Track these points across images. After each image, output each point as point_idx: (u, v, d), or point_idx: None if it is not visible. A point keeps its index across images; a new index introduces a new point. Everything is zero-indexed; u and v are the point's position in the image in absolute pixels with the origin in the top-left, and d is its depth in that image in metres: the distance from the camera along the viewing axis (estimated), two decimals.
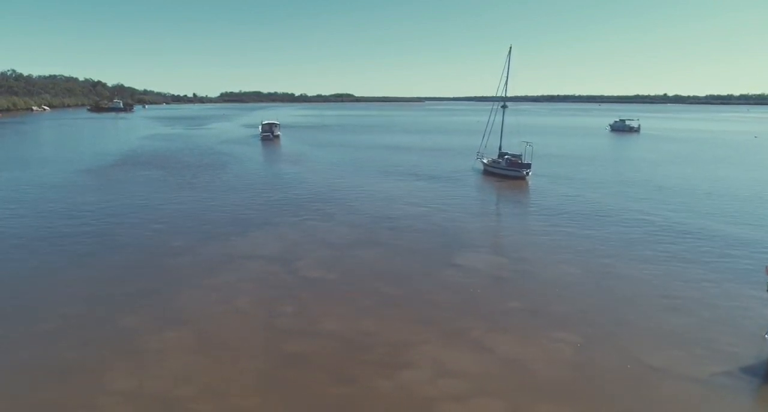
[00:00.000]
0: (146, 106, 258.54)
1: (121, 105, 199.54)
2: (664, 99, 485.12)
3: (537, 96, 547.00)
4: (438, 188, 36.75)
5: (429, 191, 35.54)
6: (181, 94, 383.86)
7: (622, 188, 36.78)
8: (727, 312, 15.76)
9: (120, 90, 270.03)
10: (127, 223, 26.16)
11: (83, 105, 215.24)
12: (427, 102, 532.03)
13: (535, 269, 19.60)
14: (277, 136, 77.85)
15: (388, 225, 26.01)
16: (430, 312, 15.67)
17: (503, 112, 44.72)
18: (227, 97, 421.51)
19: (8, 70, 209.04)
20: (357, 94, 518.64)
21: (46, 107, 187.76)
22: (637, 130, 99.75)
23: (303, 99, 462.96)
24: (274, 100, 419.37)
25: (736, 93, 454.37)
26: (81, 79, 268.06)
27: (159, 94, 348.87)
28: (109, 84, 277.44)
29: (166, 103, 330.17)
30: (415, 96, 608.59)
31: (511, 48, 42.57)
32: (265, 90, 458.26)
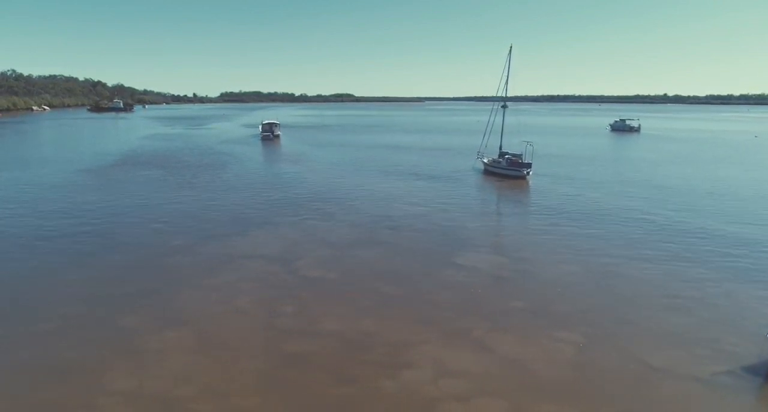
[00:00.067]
0: (146, 106, 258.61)
1: (121, 105, 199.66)
2: (664, 99, 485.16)
3: (537, 96, 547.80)
4: (438, 188, 36.71)
5: (429, 191, 35.51)
6: (181, 94, 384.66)
7: (623, 188, 36.74)
8: (728, 312, 15.75)
9: (120, 90, 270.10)
10: (127, 222, 26.15)
11: (83, 105, 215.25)
12: (427, 102, 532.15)
13: (535, 269, 19.58)
14: (277, 136, 77.89)
15: (388, 225, 25.98)
16: (431, 312, 15.65)
17: (503, 112, 44.72)
18: (227, 97, 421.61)
19: (8, 70, 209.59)
20: (357, 94, 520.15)
21: (46, 107, 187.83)
22: (637, 130, 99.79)
23: (303, 99, 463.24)
24: (274, 100, 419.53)
25: (736, 93, 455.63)
26: (81, 79, 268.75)
27: (159, 94, 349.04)
28: (109, 84, 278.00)
29: (166, 103, 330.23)
30: (415, 96, 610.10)
31: (511, 47, 42.54)
32: (265, 90, 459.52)
